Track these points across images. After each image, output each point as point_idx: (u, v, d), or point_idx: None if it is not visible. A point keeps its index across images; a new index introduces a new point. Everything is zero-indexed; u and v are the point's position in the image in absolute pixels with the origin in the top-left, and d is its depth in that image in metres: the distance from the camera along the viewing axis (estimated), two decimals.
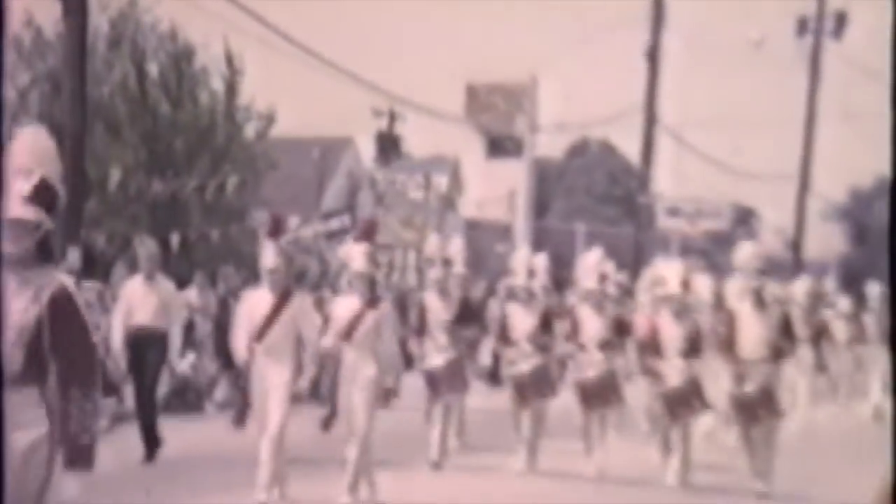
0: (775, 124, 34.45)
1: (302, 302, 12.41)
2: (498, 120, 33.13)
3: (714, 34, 32.32)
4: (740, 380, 14.13)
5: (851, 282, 24.48)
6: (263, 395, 12.03)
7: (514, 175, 34.15)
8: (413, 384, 17.01)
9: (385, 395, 12.69)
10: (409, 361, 16.51)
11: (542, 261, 16.26)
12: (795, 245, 36.14)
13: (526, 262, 15.71)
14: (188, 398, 19.78)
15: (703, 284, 16.79)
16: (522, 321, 15.21)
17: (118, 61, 28.93)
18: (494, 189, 35.91)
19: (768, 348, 14.15)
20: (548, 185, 36.81)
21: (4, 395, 5.82)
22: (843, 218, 39.09)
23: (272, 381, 11.98)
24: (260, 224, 24.23)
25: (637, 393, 16.06)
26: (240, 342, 12.19)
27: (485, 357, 20.86)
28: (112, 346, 15.18)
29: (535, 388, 15.13)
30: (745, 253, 14.51)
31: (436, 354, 15.31)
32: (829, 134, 35.68)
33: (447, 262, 15.89)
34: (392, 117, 33.32)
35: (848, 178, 37.69)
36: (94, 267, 22.56)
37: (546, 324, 15.26)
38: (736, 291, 15.27)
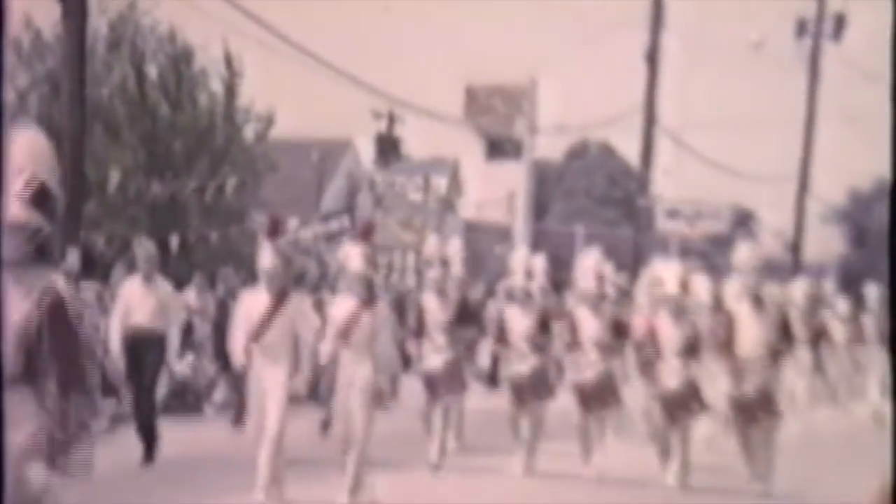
0: (774, 126, 34.45)
1: (299, 303, 12.42)
2: (497, 122, 33.12)
3: (713, 36, 32.33)
4: (739, 381, 14.14)
5: (850, 283, 24.47)
6: (261, 395, 12.04)
7: (514, 177, 34.13)
8: (412, 386, 17.01)
9: (379, 397, 12.68)
10: (407, 363, 16.51)
11: (540, 262, 16.25)
12: (794, 247, 36.15)
13: (524, 263, 15.70)
14: (187, 400, 19.79)
15: (701, 285, 16.78)
16: (519, 322, 15.20)
17: (117, 63, 28.96)
18: (494, 191, 35.91)
19: (766, 348, 14.16)
20: (547, 186, 36.78)
21: (4, 396, 5.83)
22: (843, 220, 39.07)
23: (270, 382, 11.99)
24: (259, 226, 24.23)
25: (635, 395, 16.05)
26: (237, 344, 12.20)
27: (483, 358, 20.87)
28: (110, 346, 15.19)
29: (532, 390, 15.12)
30: (742, 253, 14.52)
31: (434, 356, 15.31)
32: (829, 136, 35.69)
33: (445, 263, 15.88)
34: (391, 119, 33.33)
35: (847, 179, 37.69)
36: (94, 268, 22.55)
37: (543, 325, 15.25)
38: (734, 292, 15.27)
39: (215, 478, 13.55)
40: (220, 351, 18.67)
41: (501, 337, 15.40)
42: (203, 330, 20.82)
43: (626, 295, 19.44)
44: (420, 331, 15.45)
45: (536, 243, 28.59)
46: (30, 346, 6.02)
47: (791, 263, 34.56)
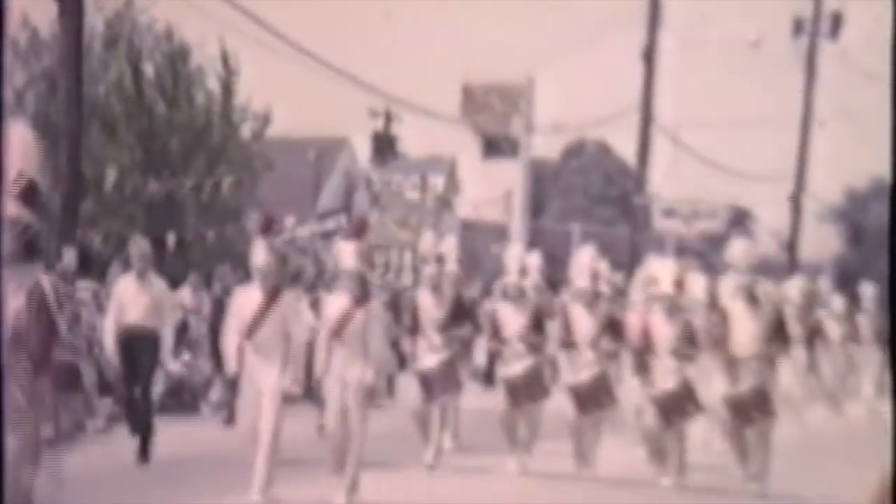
0: (771, 125, 34.44)
1: (292, 300, 12.41)
2: (494, 120, 33.09)
3: (710, 34, 32.32)
4: (734, 380, 14.13)
5: (846, 282, 24.47)
6: (255, 395, 12.03)
7: (511, 176, 34.09)
8: (408, 384, 16.99)
9: (372, 394, 12.64)
10: (402, 361, 16.47)
11: (534, 259, 16.23)
12: (791, 246, 36.13)
13: (518, 260, 15.66)
14: (183, 399, 19.77)
15: (696, 284, 16.76)
16: (513, 320, 15.15)
17: (114, 61, 28.93)
18: (490, 190, 35.86)
19: (761, 345, 14.14)
20: (544, 185, 36.74)
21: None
22: (839, 219, 39.05)
23: (263, 380, 11.98)
24: (254, 223, 24.22)
25: (629, 394, 16.02)
26: (230, 347, 12.18)
27: (479, 357, 20.84)
28: (105, 344, 15.17)
29: (527, 391, 15.08)
30: (737, 250, 14.50)
31: (429, 355, 15.26)
32: (825, 135, 35.67)
33: (440, 260, 15.84)
34: (388, 118, 33.28)
35: (843, 178, 37.66)
36: (90, 267, 22.54)
37: (537, 323, 15.21)
38: (729, 290, 15.25)
39: (212, 477, 13.54)
40: (217, 350, 18.65)
41: (495, 334, 15.35)
42: (199, 329, 20.80)
43: (621, 293, 19.43)
44: (415, 328, 15.41)
45: (533, 242, 28.57)
46: (18, 341, 6.04)
47: (787, 262, 34.55)
